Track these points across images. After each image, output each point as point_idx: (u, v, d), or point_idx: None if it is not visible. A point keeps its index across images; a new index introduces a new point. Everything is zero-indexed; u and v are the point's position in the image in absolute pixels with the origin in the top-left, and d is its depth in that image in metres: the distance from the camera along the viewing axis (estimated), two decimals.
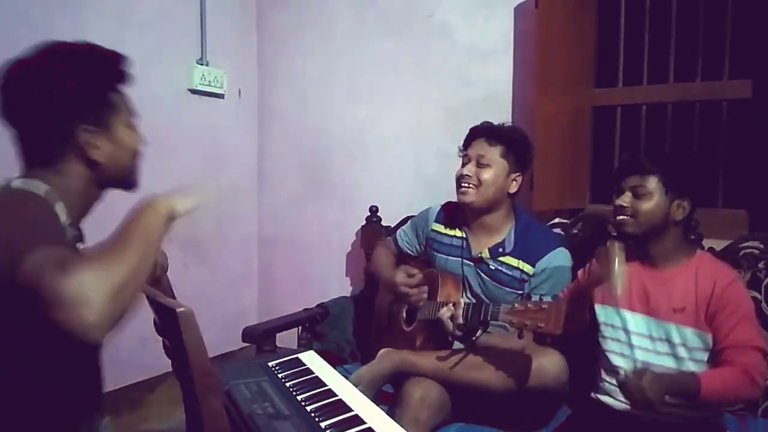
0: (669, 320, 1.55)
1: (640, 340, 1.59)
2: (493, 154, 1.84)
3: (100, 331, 0.80)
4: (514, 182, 1.86)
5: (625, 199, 1.56)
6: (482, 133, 1.88)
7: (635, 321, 1.60)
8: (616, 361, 1.62)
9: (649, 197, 1.53)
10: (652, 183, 1.53)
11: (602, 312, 1.66)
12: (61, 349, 0.95)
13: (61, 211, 1.03)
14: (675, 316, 1.54)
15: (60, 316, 0.78)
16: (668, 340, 1.55)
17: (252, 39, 3.00)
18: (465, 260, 1.91)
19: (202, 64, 2.69)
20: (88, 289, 0.79)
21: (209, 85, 2.72)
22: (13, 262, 0.84)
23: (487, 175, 1.83)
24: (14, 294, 0.85)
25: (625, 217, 1.56)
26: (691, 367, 1.52)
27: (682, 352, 1.54)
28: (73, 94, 1.03)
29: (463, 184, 1.85)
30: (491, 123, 1.91)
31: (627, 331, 1.60)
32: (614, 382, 1.61)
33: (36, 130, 1.04)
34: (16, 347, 0.99)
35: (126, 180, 1.14)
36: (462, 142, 1.93)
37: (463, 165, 1.88)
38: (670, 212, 1.54)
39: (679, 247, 1.59)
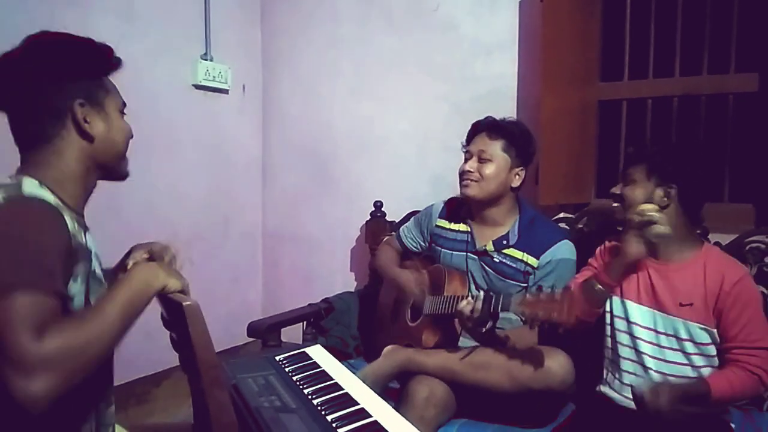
0: (676, 315, 1.55)
1: (645, 333, 1.58)
2: (495, 148, 1.84)
3: (43, 405, 0.80)
4: (517, 176, 1.87)
5: (618, 188, 1.62)
6: (483, 127, 1.88)
7: (641, 313, 1.59)
8: (624, 352, 1.62)
9: (634, 184, 1.58)
10: (639, 171, 1.58)
11: (617, 304, 1.64)
12: None
13: (69, 219, 1.01)
14: (682, 311, 1.53)
15: (10, 374, 0.78)
16: (675, 335, 1.55)
17: (256, 34, 3.00)
18: (469, 254, 1.91)
19: (206, 60, 2.69)
20: (51, 363, 0.79)
21: (213, 81, 2.72)
22: None
23: (488, 170, 1.83)
24: None
25: (617, 204, 1.62)
26: (699, 361, 1.53)
27: (689, 347, 1.54)
28: (68, 72, 1.06)
29: (465, 179, 1.86)
30: (493, 118, 1.90)
31: (631, 323, 1.60)
32: (619, 377, 1.62)
33: (31, 108, 1.05)
34: None
35: (117, 166, 1.15)
36: (465, 138, 1.93)
37: (466, 161, 1.89)
38: (654, 198, 1.56)
39: (684, 241, 1.58)
